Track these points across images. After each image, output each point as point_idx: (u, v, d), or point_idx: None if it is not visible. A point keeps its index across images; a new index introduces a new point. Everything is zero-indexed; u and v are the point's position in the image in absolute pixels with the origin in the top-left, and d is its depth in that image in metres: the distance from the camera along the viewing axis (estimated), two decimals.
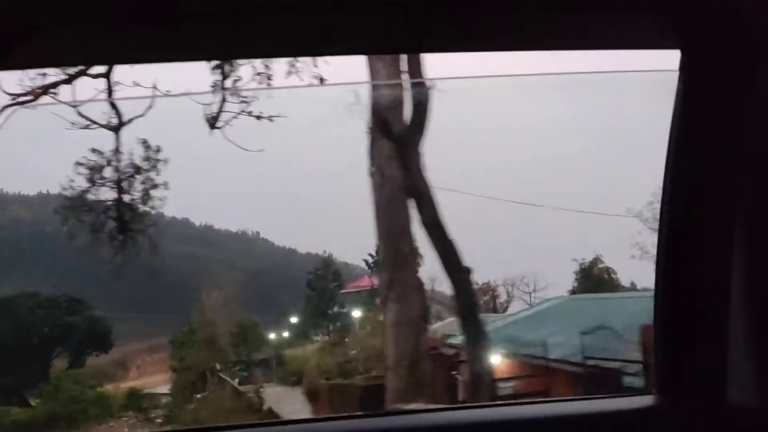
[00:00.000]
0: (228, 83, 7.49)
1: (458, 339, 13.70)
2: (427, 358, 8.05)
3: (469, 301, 7.90)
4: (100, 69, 6.71)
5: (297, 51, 2.22)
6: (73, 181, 8.07)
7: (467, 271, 7.61)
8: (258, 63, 7.20)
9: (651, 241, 12.07)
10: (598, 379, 9.85)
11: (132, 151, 8.29)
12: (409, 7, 1.05)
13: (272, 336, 18.37)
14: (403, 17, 1.07)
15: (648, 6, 1.12)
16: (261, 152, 7.54)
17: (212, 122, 7.34)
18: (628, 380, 9.60)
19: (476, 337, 7.88)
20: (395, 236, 7.76)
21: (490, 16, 1.09)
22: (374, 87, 7.61)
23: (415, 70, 7.39)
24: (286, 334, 18.72)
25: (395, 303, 7.81)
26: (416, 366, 7.61)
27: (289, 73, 7.42)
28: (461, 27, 1.11)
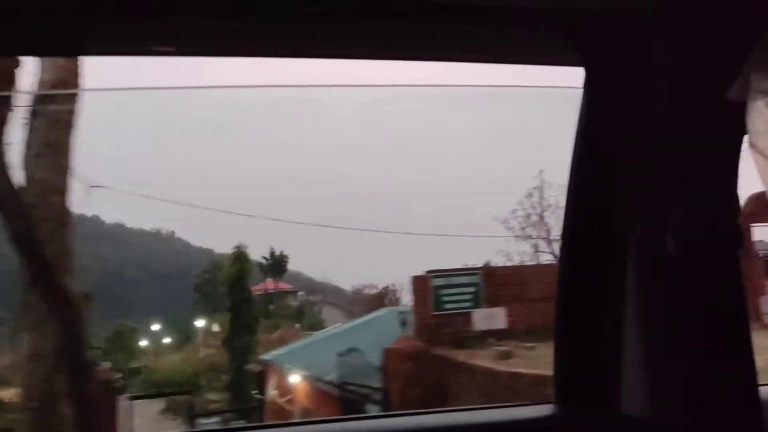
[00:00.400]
0: None
1: (274, 355, 12.74)
2: (66, 398, 6.59)
3: (71, 329, 6.66)
4: None
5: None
6: None
7: (65, 292, 6.44)
8: None
9: (515, 248, 12.35)
10: (346, 404, 9.83)
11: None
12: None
13: (148, 342, 17.26)
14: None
15: (552, 23, 1.15)
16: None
17: None
18: (368, 407, 9.58)
19: (77, 368, 6.71)
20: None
21: (389, 24, 1.08)
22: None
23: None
24: (168, 340, 17.71)
25: (28, 332, 6.60)
26: (46, 408, 6.42)
27: None
28: (361, 34, 1.09)
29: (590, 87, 1.22)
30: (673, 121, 1.11)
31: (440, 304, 9.96)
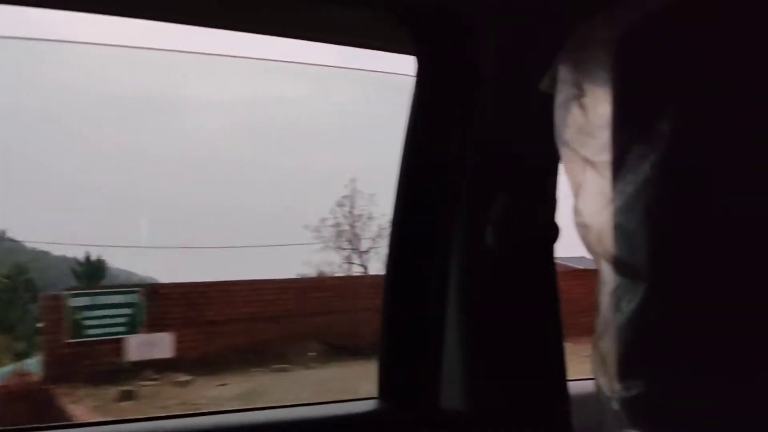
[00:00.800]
0: None
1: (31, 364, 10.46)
2: None
3: None
4: None
5: None
6: None
7: None
8: None
9: (328, 259, 11.68)
10: None
11: None
12: None
13: None
14: None
15: (385, 9, 1.11)
16: None
17: None
18: None
19: None
20: None
21: None
22: None
23: None
24: None
25: None
26: None
27: None
28: None
29: (421, 78, 1.20)
30: (495, 113, 1.11)
31: (80, 329, 7.94)
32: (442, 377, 1.21)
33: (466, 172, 1.17)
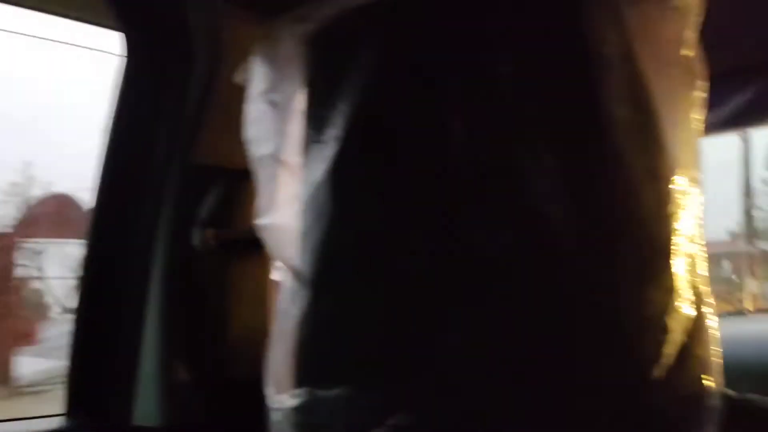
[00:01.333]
0: None
1: None
2: None
3: None
4: None
5: None
6: None
7: None
8: None
9: None
10: None
11: None
12: None
13: None
14: None
15: None
16: None
17: None
18: None
19: None
20: None
21: None
22: None
23: None
24: None
25: None
26: None
27: None
28: None
29: (130, 58, 1.08)
30: (203, 107, 1.04)
31: None
32: (136, 391, 1.11)
33: (174, 168, 1.08)
